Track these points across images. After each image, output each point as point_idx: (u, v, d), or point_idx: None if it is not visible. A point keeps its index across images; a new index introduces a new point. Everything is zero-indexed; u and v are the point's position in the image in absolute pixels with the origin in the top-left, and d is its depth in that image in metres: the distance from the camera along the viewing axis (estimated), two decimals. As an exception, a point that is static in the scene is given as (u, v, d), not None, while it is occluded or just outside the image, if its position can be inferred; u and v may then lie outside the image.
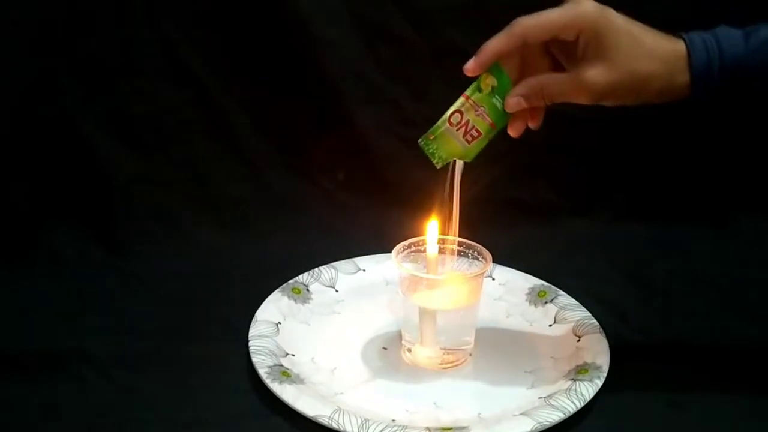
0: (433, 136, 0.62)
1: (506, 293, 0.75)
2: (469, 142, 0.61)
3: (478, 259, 0.66)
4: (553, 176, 0.87)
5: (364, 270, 0.77)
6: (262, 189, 0.85)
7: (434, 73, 0.84)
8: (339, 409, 0.58)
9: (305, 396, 0.59)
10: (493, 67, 0.59)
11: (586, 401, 0.59)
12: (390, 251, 0.67)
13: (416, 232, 0.67)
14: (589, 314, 0.70)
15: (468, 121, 0.61)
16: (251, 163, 0.85)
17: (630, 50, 0.54)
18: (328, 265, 0.76)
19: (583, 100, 0.56)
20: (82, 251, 0.79)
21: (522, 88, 0.58)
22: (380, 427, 0.57)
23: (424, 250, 0.66)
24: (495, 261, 0.66)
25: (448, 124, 0.61)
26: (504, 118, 0.60)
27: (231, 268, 0.78)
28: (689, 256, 0.83)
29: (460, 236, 0.66)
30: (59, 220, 0.80)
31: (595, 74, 0.55)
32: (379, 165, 0.85)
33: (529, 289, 0.75)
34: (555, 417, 0.58)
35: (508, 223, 0.84)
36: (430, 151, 0.62)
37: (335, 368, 0.65)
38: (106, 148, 0.81)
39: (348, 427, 0.56)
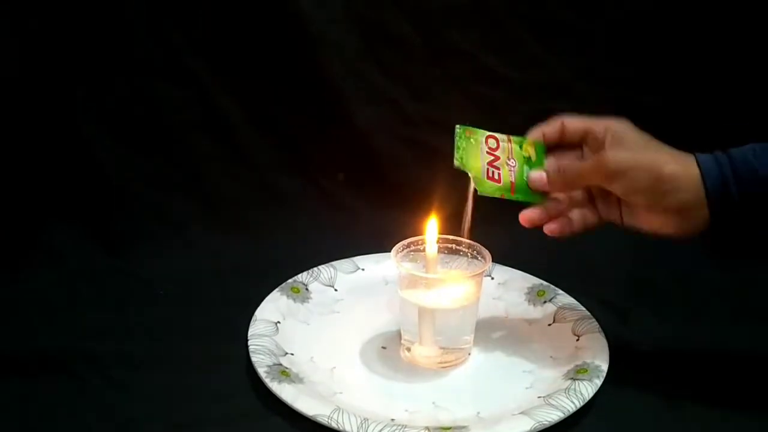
0: (470, 135, 0.62)
1: (505, 292, 0.75)
2: (488, 177, 0.62)
3: (477, 258, 0.67)
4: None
5: (363, 269, 0.77)
6: (261, 189, 0.85)
7: (434, 74, 0.84)
8: (338, 409, 0.58)
9: (304, 395, 0.59)
10: (539, 145, 0.63)
11: (586, 401, 0.59)
12: (389, 251, 0.67)
13: (415, 232, 0.67)
14: (588, 314, 0.70)
15: (499, 158, 0.62)
16: (251, 163, 0.85)
17: (645, 145, 0.60)
18: (327, 264, 0.76)
19: (599, 177, 0.60)
20: (82, 251, 0.79)
21: (548, 166, 0.63)
22: (379, 427, 0.57)
23: (424, 250, 0.66)
24: (494, 260, 0.66)
25: (484, 140, 0.63)
26: (524, 193, 0.62)
27: (230, 268, 0.78)
28: (688, 255, 0.83)
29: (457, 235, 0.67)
30: (59, 220, 0.80)
31: (612, 152, 0.59)
32: (378, 165, 0.86)
33: (528, 288, 0.75)
34: (554, 416, 0.58)
35: (507, 222, 0.84)
36: (459, 144, 0.62)
37: (334, 367, 0.65)
38: (106, 148, 0.81)
39: (347, 427, 0.56)
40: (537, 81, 0.85)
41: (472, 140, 0.62)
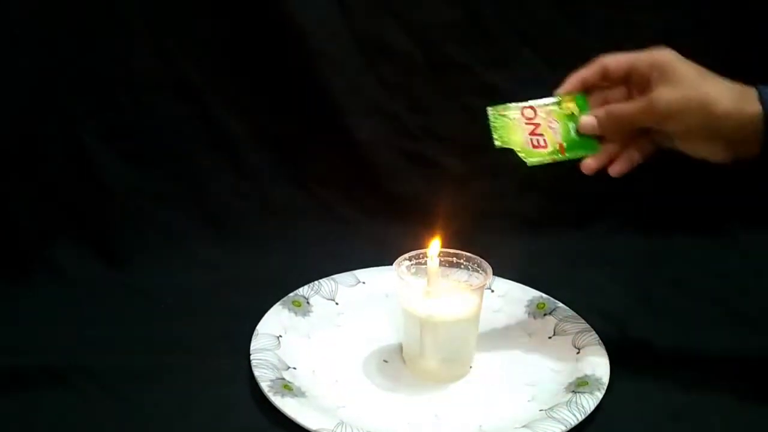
0: (503, 113, 0.61)
1: (505, 305, 0.75)
2: (533, 146, 0.61)
3: (478, 271, 0.67)
4: (552, 189, 0.88)
5: (364, 282, 0.77)
6: (262, 202, 0.85)
7: (433, 87, 0.85)
8: (341, 422, 0.58)
9: (307, 409, 0.59)
10: (579, 97, 0.62)
11: (587, 413, 0.60)
12: (389, 263, 0.67)
13: (416, 245, 0.68)
14: (588, 326, 0.70)
15: (539, 125, 0.61)
16: (252, 177, 0.85)
17: (696, 78, 0.58)
18: (328, 277, 0.76)
19: (650, 120, 0.59)
20: (83, 265, 0.79)
21: (596, 110, 0.62)
22: (382, 440, 0.57)
23: (425, 263, 0.67)
24: (494, 273, 0.66)
25: (520, 113, 0.61)
26: (575, 147, 0.61)
27: (232, 281, 0.78)
28: (687, 267, 0.83)
29: (457, 248, 0.67)
30: (60, 234, 0.80)
31: (662, 92, 0.58)
32: (379, 178, 0.86)
33: (528, 301, 0.75)
34: (556, 429, 0.58)
35: (506, 235, 0.85)
36: (495, 125, 0.61)
37: (337, 381, 0.65)
38: (107, 162, 0.81)
39: (350, 440, 0.57)
40: (535, 94, 0.86)
41: (507, 117, 0.61)
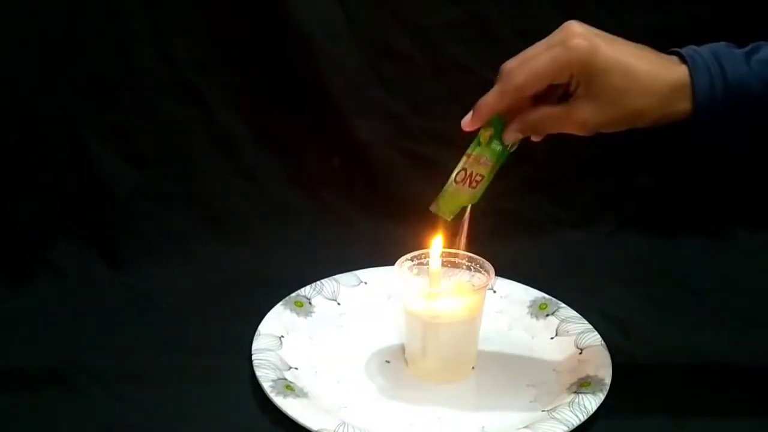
0: (443, 200, 0.62)
1: (508, 306, 0.75)
2: (474, 188, 0.62)
3: (480, 271, 0.67)
4: (554, 189, 0.88)
5: (366, 283, 0.77)
6: (263, 203, 0.85)
7: (435, 89, 0.85)
8: (343, 423, 0.58)
9: (309, 410, 0.59)
10: (492, 120, 0.60)
11: (589, 414, 0.59)
12: (391, 264, 0.67)
13: (417, 245, 0.67)
14: (590, 327, 0.70)
15: (471, 173, 0.61)
16: (253, 177, 0.85)
17: (623, 88, 0.54)
18: (330, 278, 0.76)
19: (577, 133, 0.57)
20: (83, 265, 0.79)
21: (518, 123, 0.58)
22: (384, 441, 0.57)
23: (427, 263, 0.67)
24: (496, 273, 0.66)
25: (454, 184, 0.62)
26: (503, 155, 0.61)
27: (233, 282, 0.78)
28: (689, 267, 0.83)
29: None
30: (61, 235, 0.80)
31: (588, 113, 0.55)
32: (380, 178, 0.86)
33: (530, 301, 0.75)
34: (558, 430, 0.58)
35: (508, 236, 0.84)
36: (442, 211, 0.63)
37: (339, 381, 0.65)
38: (108, 163, 0.81)
39: (352, 441, 0.56)
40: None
41: (447, 198, 0.62)
